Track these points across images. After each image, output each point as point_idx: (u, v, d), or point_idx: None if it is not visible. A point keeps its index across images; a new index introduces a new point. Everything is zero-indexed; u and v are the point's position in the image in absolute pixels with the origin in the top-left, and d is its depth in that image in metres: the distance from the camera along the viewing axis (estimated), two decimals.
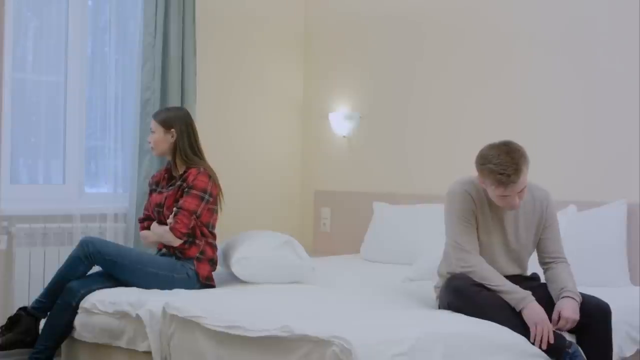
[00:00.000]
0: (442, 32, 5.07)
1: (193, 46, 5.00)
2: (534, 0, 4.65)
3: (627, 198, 4.15)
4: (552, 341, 3.07)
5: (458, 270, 3.30)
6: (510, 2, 4.75)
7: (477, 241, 3.33)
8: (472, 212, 3.33)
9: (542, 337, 3.06)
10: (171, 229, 3.90)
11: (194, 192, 3.93)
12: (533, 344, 3.08)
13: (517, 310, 3.13)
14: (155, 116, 4.16)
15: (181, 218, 3.89)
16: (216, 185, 4.02)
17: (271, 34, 5.69)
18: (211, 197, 3.97)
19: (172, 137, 4.05)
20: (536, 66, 4.60)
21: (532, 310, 3.11)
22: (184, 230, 3.89)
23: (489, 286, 3.20)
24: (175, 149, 4.07)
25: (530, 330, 3.08)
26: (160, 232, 3.98)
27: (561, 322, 3.15)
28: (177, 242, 3.92)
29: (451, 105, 5.00)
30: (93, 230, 4.58)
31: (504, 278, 3.25)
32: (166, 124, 4.07)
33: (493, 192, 3.24)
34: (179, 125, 4.07)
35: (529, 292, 3.19)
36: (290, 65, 5.81)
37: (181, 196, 3.96)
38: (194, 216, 3.92)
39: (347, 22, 5.61)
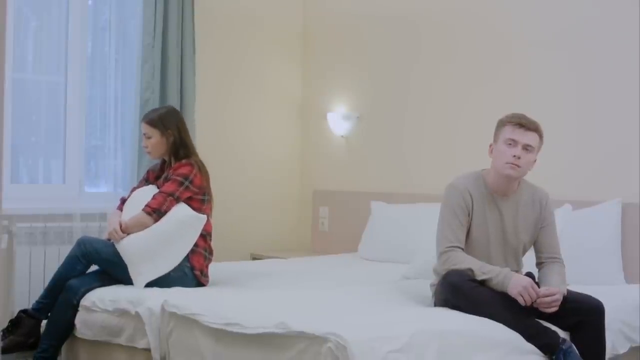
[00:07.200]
0: (440, 32, 5.09)
1: (192, 46, 5.03)
2: (532, 0, 4.68)
3: (622, 197, 4.17)
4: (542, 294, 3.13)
5: (440, 265, 3.35)
6: (508, 3, 4.77)
7: (464, 238, 3.36)
8: (465, 209, 3.37)
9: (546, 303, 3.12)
10: (143, 208, 3.87)
11: (174, 177, 3.90)
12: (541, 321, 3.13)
13: (506, 291, 3.15)
14: (148, 120, 4.05)
15: (156, 197, 3.88)
16: (202, 176, 3.95)
17: (270, 34, 5.72)
18: (192, 184, 3.89)
19: (170, 137, 4.00)
20: (533, 66, 4.62)
21: (514, 284, 3.14)
22: (155, 206, 3.84)
23: (471, 274, 3.22)
24: (172, 149, 4.02)
25: (519, 301, 3.12)
26: (135, 216, 3.88)
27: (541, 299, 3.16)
28: (149, 220, 3.84)
29: (449, 105, 5.02)
30: (93, 230, 4.59)
31: (484, 264, 3.26)
32: (163, 126, 3.99)
33: (503, 141, 3.32)
34: (175, 125, 4.02)
35: (506, 268, 3.24)
36: (288, 65, 5.83)
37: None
38: (171, 198, 3.86)
39: (346, 23, 5.63)
